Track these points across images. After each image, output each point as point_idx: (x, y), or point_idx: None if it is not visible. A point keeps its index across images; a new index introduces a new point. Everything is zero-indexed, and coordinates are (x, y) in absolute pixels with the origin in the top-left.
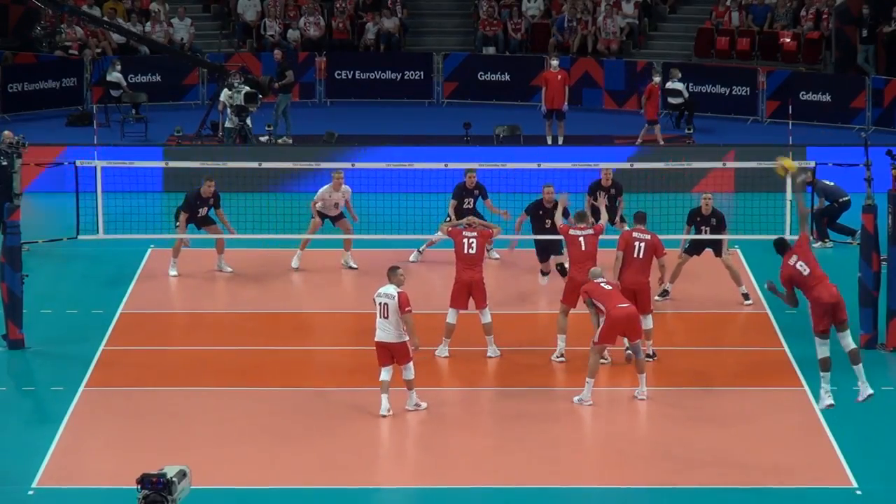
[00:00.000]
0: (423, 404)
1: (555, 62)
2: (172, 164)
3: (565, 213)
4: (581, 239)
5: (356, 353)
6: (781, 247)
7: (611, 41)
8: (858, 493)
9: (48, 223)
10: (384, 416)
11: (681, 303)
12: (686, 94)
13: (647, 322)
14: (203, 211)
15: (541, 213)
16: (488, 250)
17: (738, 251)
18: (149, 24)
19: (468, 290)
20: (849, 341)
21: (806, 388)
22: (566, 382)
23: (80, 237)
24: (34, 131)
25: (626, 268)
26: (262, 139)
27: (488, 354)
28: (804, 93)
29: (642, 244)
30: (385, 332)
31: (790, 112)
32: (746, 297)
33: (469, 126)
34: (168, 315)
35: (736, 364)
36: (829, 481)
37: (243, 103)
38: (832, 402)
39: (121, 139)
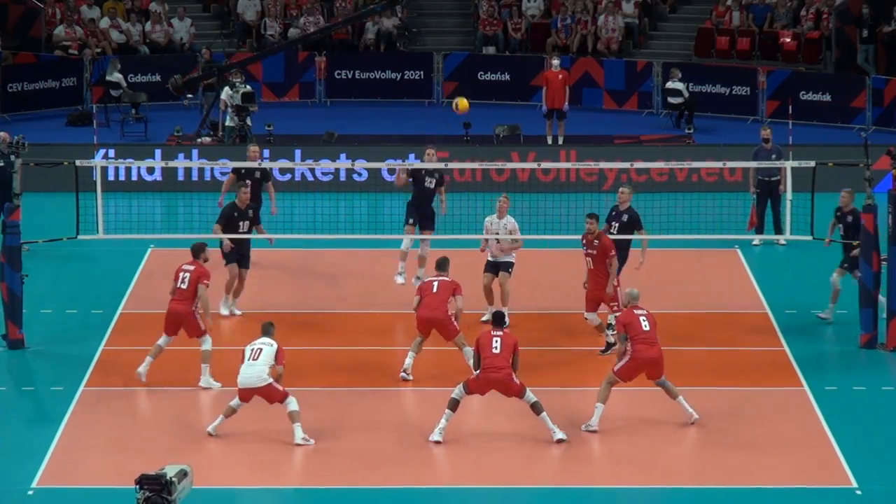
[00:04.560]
0: None
1: (556, 62)
2: (172, 164)
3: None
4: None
5: (356, 353)
6: None
7: (610, 40)
8: (858, 493)
9: (48, 223)
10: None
11: (681, 302)
12: (686, 94)
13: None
14: (244, 225)
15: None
16: None
17: (738, 251)
18: (149, 24)
19: (178, 323)
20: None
21: (806, 388)
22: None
23: (80, 237)
24: (34, 131)
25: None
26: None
27: (200, 384)
28: (804, 93)
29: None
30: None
31: (790, 112)
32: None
33: (469, 126)
34: None
35: (736, 364)
36: (829, 481)
37: (241, 103)
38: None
39: (121, 139)
